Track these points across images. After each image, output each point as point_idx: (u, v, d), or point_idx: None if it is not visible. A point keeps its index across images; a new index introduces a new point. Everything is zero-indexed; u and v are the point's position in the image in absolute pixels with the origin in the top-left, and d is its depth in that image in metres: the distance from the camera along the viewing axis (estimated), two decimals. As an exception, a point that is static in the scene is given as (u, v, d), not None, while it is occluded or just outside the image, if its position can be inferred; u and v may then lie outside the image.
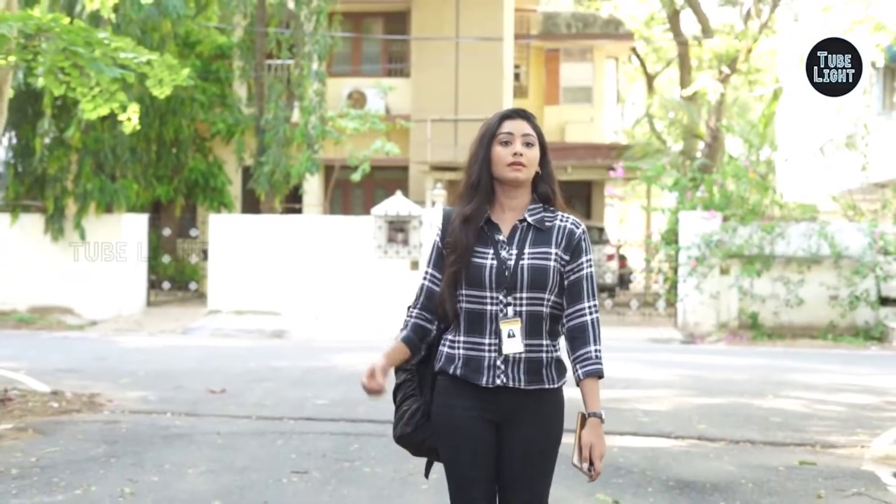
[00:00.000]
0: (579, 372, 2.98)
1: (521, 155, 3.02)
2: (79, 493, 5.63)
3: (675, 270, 16.29)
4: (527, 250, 3.02)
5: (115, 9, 12.78)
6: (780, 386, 9.99)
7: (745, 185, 16.39)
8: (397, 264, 16.19)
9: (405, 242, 16.17)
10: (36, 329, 15.17)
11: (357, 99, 20.91)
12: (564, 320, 3.05)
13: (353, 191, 21.72)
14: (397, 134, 19.35)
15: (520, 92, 25.02)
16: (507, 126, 3.08)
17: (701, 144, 22.94)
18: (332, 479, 6.00)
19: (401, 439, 3.18)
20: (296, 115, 17.90)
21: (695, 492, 5.76)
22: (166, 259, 18.07)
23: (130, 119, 9.44)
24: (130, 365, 10.98)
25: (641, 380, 10.18)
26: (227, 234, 16.77)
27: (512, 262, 3.00)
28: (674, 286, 16.46)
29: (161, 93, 9.25)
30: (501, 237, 3.04)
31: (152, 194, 18.31)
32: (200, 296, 19.28)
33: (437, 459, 3.15)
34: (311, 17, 16.72)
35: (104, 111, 9.41)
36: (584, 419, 2.96)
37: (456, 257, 2.99)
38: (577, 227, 3.07)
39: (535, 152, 3.06)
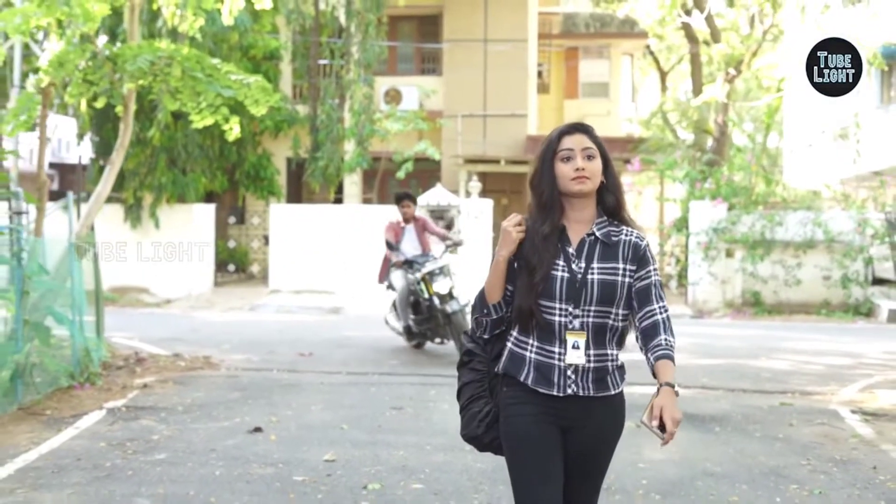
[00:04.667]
0: (651, 359, 3.05)
1: (583, 169, 3.05)
2: (237, 421, 7.56)
3: (686, 254, 18.16)
4: (595, 264, 3.07)
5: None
6: (772, 350, 11.93)
7: (750, 176, 18.26)
8: (437, 249, 18.06)
9: (446, 229, 18.07)
10: (120, 306, 17.12)
11: (393, 96, 22.79)
12: (637, 322, 3.12)
13: (389, 181, 23.62)
14: (431, 128, 21.22)
15: (542, 88, 26.92)
16: (567, 142, 3.10)
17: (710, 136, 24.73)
18: (422, 413, 7.94)
19: (470, 440, 3.26)
20: (345, 113, 19.84)
21: (697, 421, 7.67)
22: (232, 244, 20.09)
23: (232, 129, 11.25)
24: (222, 335, 12.94)
25: (656, 346, 12.08)
26: (285, 221, 18.74)
27: (581, 276, 3.06)
28: (685, 268, 18.34)
29: (257, 111, 10.98)
30: (571, 250, 3.10)
31: (214, 186, 20.28)
32: (251, 277, 21.31)
33: (502, 454, 3.23)
34: (360, 27, 18.64)
35: (209, 122, 11.27)
36: (658, 389, 3.02)
37: (541, 274, 3.05)
38: (642, 241, 3.14)
39: (597, 164, 3.09)
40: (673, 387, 2.99)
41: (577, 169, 3.05)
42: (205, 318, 15.52)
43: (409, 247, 11.13)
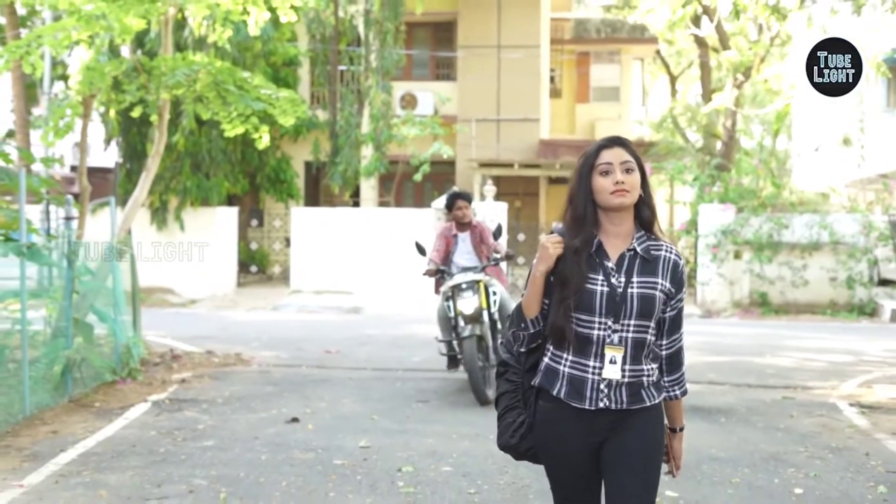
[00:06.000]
0: (676, 392, 3.24)
1: (622, 182, 3.05)
2: (275, 412, 8.11)
3: (695, 256, 18.67)
4: (635, 279, 3.08)
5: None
6: (777, 348, 12.45)
7: (757, 180, 18.77)
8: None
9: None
10: (147, 306, 17.64)
11: (409, 101, 23.34)
12: (663, 348, 3.20)
13: (404, 183, 24.18)
14: (447, 133, 21.76)
15: (554, 93, 27.43)
16: (606, 156, 3.09)
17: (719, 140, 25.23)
18: (447, 405, 8.48)
19: (506, 449, 3.30)
20: (363, 118, 20.42)
21: (704, 412, 8.19)
22: (253, 246, 20.71)
23: (262, 137, 11.82)
24: (250, 333, 13.51)
25: (666, 344, 12.62)
26: (306, 224, 19.33)
27: (621, 290, 3.07)
28: (694, 269, 18.84)
29: (286, 121, 11.53)
30: (610, 264, 3.09)
31: (236, 189, 20.87)
32: (272, 278, 21.90)
33: (540, 463, 3.28)
34: (379, 35, 19.23)
35: (240, 130, 11.83)
36: (672, 432, 3.29)
37: (572, 288, 3.05)
38: (680, 260, 3.17)
39: (636, 177, 3.08)
40: (683, 429, 3.34)
41: (618, 182, 3.05)
42: (230, 317, 16.09)
43: (464, 260, 8.87)
